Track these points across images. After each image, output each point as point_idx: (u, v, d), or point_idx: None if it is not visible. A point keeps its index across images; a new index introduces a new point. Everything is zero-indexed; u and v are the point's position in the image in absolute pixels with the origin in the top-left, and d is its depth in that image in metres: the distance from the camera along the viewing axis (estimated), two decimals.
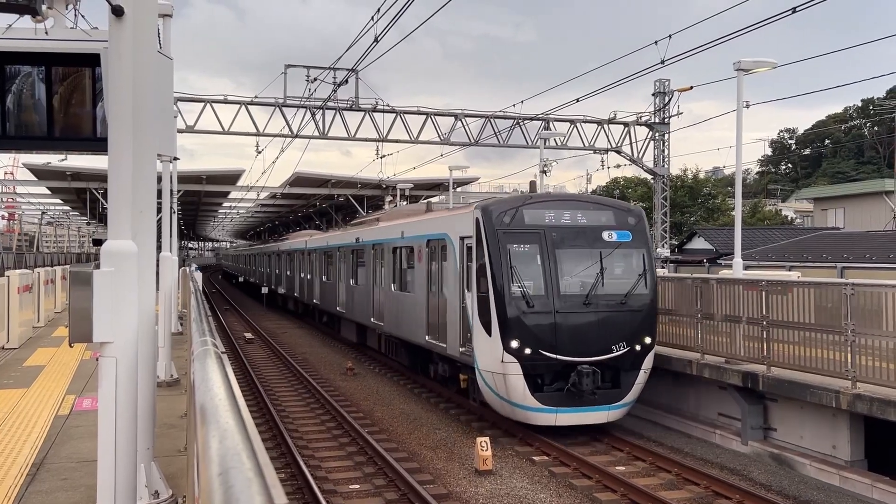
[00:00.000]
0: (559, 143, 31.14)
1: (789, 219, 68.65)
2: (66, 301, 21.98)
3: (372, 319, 21.79)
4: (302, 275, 35.11)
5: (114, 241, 4.93)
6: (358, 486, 11.00)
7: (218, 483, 1.43)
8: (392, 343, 20.82)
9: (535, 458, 12.34)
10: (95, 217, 55.97)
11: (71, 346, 4.94)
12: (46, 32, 7.28)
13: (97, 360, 4.95)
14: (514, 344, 12.88)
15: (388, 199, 42.85)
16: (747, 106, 19.31)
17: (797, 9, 14.71)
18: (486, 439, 11.88)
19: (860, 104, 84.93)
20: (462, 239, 14.54)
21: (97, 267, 4.86)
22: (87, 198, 47.08)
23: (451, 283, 15.01)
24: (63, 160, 31.41)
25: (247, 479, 1.40)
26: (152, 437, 6.18)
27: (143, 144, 5.64)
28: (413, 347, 18.54)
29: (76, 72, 7.58)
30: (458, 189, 46.52)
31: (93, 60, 7.21)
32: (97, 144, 7.35)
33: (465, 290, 14.22)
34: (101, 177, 34.26)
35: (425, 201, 37.91)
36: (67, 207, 65.43)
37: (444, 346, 15.38)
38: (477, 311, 13.55)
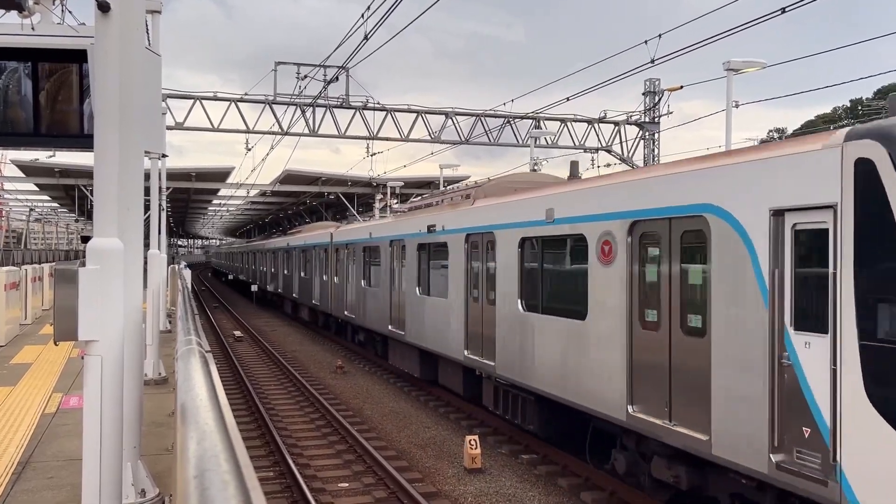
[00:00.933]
0: (549, 142, 31.17)
1: None
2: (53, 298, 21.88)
3: (468, 353, 14.04)
4: (325, 277, 27.34)
5: (99, 238, 4.90)
6: (347, 485, 10.99)
7: (193, 486, 1.41)
8: (514, 397, 12.74)
9: (524, 456, 12.34)
10: (84, 214, 55.73)
11: (56, 345, 4.91)
12: (33, 28, 7.23)
13: (83, 358, 4.92)
14: None
15: (379, 196, 42.83)
16: (737, 105, 19.38)
17: (786, 9, 14.75)
18: (476, 438, 11.89)
19: (848, 104, 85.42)
20: (778, 215, 7.22)
21: (83, 265, 4.83)
22: (75, 194, 46.87)
23: (734, 308, 7.66)
24: (51, 157, 31.25)
25: (223, 482, 1.38)
26: (139, 436, 6.15)
27: (130, 141, 5.60)
28: (570, 413, 11.01)
29: (63, 68, 7.54)
30: (449, 188, 46.49)
31: (80, 56, 7.18)
32: (84, 141, 7.32)
33: (789, 329, 7.09)
34: (89, 173, 34.09)
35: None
36: (56, 204, 65.12)
37: (703, 438, 7.99)
38: (864, 378, 6.33)
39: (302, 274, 32.27)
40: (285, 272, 37.13)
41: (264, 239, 56.38)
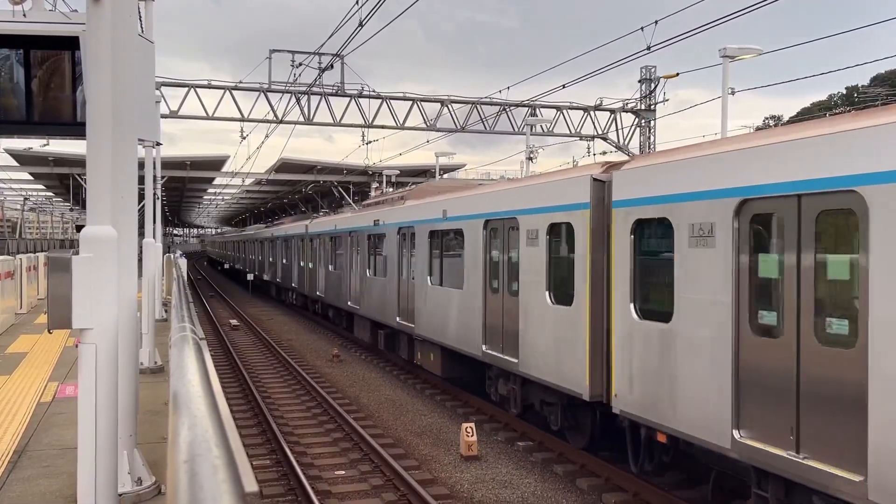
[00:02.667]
0: (545, 130, 31.12)
1: None
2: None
3: None
4: (531, 287, 11.55)
5: (93, 226, 4.89)
6: (343, 473, 11.01)
7: (184, 471, 1.41)
8: None
9: (520, 443, 12.37)
10: (79, 203, 55.54)
11: (50, 333, 4.90)
12: (25, 15, 7.18)
13: (77, 347, 4.91)
14: None
15: (375, 185, 42.76)
16: (733, 93, 19.33)
17: None
18: (472, 425, 11.91)
19: (844, 92, 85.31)
20: None
21: (76, 253, 4.81)
22: (70, 183, 46.74)
23: None
24: (45, 145, 31.10)
25: (213, 467, 1.38)
26: (135, 424, 6.15)
27: (123, 129, 5.58)
28: None
29: (55, 55, 7.50)
30: (445, 176, 46.45)
31: (72, 44, 7.14)
32: (77, 129, 7.29)
33: None
34: (83, 162, 33.90)
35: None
36: (50, 193, 64.93)
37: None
38: None
39: (403, 275, 17.81)
40: (365, 272, 21.25)
41: (296, 219, 40.46)
